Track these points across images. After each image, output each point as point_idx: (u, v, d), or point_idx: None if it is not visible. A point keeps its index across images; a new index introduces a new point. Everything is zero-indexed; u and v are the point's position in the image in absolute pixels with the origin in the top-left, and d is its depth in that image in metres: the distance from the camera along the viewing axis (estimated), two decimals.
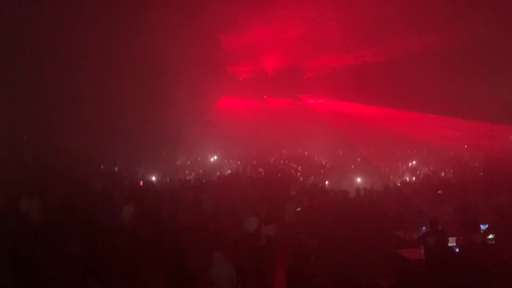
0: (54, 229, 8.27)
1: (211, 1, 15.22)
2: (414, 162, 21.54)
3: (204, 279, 6.60)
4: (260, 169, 18.76)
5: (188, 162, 24.42)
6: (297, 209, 10.26)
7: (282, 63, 22.54)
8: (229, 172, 19.54)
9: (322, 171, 18.84)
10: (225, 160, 24.79)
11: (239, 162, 23.41)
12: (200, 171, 19.66)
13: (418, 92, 22.04)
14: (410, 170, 19.31)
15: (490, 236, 8.37)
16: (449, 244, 7.51)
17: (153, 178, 18.27)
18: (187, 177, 18.38)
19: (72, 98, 18.83)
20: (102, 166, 20.24)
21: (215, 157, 25.08)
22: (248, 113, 27.59)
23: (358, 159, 22.87)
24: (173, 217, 9.73)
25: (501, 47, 18.15)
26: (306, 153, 27.86)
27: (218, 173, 19.93)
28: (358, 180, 16.07)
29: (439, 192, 12.49)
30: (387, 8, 15.74)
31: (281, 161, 24.07)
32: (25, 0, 14.24)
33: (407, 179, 16.54)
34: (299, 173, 18.16)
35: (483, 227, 8.41)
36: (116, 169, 19.97)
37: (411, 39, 18.42)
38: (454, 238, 7.63)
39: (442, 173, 17.96)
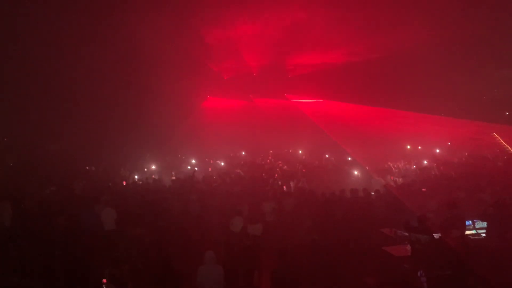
0: (35, 233, 8.11)
1: (196, 4, 15.05)
2: (400, 160, 21.73)
3: (192, 279, 6.52)
4: (238, 170, 18.77)
5: (175, 163, 24.24)
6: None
7: (267, 62, 22.49)
8: (216, 172, 19.45)
9: (304, 170, 18.81)
10: (211, 161, 24.68)
11: (222, 163, 23.32)
12: (187, 170, 19.51)
13: (404, 91, 22.27)
14: (395, 168, 19.45)
15: (473, 231, 8.51)
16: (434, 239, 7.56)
17: (136, 178, 18.11)
18: (173, 178, 18.23)
19: (55, 99, 18.51)
20: (87, 167, 19.97)
21: (201, 157, 24.93)
22: (234, 112, 27.53)
23: (345, 158, 22.99)
24: (159, 218, 9.65)
25: (484, 47, 18.41)
26: (290, 151, 27.92)
27: (206, 171, 19.86)
28: (345, 178, 16.14)
29: (424, 190, 12.63)
30: (372, 6, 15.77)
31: (268, 161, 24.06)
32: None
33: (393, 177, 16.67)
34: (277, 175, 17.84)
35: (467, 222, 8.53)
36: (100, 170, 19.72)
37: (397, 38, 18.53)
38: (439, 234, 7.69)
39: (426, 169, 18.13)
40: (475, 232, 8.53)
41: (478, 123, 22.78)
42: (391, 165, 19.40)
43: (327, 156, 23.22)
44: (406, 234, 7.95)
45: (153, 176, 17.83)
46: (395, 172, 18.07)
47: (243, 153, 28.01)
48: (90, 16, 15.26)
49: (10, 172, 16.90)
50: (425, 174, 16.77)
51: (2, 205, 9.22)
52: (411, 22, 16.67)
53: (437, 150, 24.55)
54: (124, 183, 16.57)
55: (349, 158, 22.69)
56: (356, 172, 17.04)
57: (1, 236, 7.94)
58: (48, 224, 8.61)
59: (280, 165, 20.98)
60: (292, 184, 15.18)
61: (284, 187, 14.87)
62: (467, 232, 8.41)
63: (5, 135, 20.09)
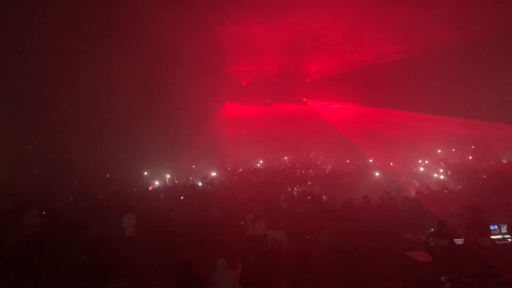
0: (60, 239, 8.27)
1: (214, 7, 15.21)
2: (423, 163, 21.35)
3: (209, 284, 6.56)
4: (261, 174, 18.75)
5: (193, 166, 24.46)
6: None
7: (285, 67, 22.50)
8: (235, 177, 19.51)
9: (326, 174, 18.65)
10: (229, 168, 24.75)
11: (241, 169, 23.36)
12: (206, 176, 19.62)
13: (424, 93, 21.91)
14: (417, 172, 19.07)
15: (499, 236, 8.28)
16: (457, 244, 7.40)
17: (157, 184, 18.34)
18: (192, 183, 18.36)
19: (77, 107, 18.95)
20: (108, 175, 20.31)
21: (220, 163, 25.04)
22: (252, 118, 27.60)
23: (365, 163, 22.72)
24: (181, 223, 9.75)
25: (497, 48, 18.00)
26: (311, 156, 27.74)
27: (223, 178, 19.93)
28: (366, 183, 15.89)
29: (445, 191, 12.37)
30: (388, 11, 15.66)
31: (290, 165, 23.97)
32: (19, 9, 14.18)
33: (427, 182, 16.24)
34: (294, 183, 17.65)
35: (492, 227, 8.31)
36: (121, 176, 20.03)
37: (420, 40, 18.33)
38: (462, 239, 7.53)
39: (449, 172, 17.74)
40: (501, 237, 8.31)
41: (502, 125, 22.21)
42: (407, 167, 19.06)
43: (347, 161, 22.96)
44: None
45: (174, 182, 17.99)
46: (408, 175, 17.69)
47: (261, 161, 27.91)
48: (107, 26, 15.59)
49: (36, 179, 17.29)
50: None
51: (29, 213, 9.45)
52: (434, 23, 16.46)
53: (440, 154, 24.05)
54: (150, 188, 16.84)
55: (371, 162, 22.43)
56: (378, 176, 16.81)
57: (28, 243, 8.12)
58: (76, 231, 8.74)
59: (299, 170, 20.89)
60: (296, 188, 15.06)
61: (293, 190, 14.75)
62: (492, 237, 8.20)
63: (29, 143, 20.62)
